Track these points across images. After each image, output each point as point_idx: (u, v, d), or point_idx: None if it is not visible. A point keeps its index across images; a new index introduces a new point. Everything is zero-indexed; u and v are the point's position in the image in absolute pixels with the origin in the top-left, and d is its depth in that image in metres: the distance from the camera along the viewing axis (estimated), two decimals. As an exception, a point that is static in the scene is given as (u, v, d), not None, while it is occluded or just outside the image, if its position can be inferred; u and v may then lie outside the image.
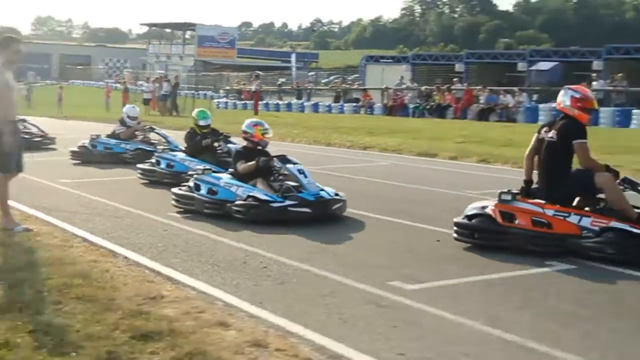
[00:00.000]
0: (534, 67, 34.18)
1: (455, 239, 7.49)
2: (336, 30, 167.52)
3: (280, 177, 9.17)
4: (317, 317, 5.26)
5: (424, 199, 10.79)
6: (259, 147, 9.47)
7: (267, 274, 6.45)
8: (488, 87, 31.18)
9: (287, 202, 8.54)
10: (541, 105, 29.16)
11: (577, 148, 7.13)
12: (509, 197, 7.32)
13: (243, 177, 9.15)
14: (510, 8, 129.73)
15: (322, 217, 8.53)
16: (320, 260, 6.91)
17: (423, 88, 35.14)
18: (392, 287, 5.99)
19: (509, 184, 12.19)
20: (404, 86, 36.85)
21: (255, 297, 5.71)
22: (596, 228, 6.83)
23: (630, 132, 23.96)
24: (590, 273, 6.51)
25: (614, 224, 6.75)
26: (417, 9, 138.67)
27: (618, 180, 7.14)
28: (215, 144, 11.95)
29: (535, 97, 32.14)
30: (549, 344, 4.71)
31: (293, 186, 8.86)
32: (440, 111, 31.88)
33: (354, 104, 37.64)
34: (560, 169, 7.29)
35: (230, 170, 9.57)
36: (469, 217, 7.49)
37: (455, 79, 35.22)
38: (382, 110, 34.63)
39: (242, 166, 9.21)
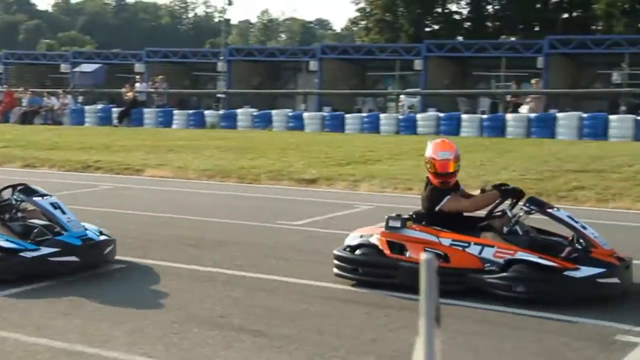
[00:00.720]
0: (77, 69, 33.76)
1: (337, 274, 6.29)
2: None
3: (21, 215, 6.79)
4: None
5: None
6: None
7: None
8: (30, 89, 30.04)
9: (45, 250, 6.27)
10: (87, 107, 29.16)
11: (448, 210, 6.21)
12: (397, 224, 6.15)
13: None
14: (49, 8, 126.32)
15: (92, 265, 6.60)
16: None
17: (-44, 90, 32.42)
18: None
19: (54, 187, 11.90)
20: None
21: None
22: (500, 260, 5.83)
23: (172, 131, 25.27)
24: (144, 272, 6.72)
25: (521, 254, 5.80)
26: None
27: (523, 201, 6.18)
28: None
29: (80, 99, 31.93)
30: (98, 345, 4.74)
31: (45, 226, 6.60)
32: (-20, 114, 29.78)
33: None
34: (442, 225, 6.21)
35: None
36: (352, 248, 6.32)
37: (-6, 81, 33.23)
38: None
39: None
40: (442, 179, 6.26)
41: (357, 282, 6.19)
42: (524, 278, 5.69)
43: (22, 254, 6.19)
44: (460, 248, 5.96)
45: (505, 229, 6.08)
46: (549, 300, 5.63)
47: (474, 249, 5.92)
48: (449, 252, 5.96)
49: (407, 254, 6.05)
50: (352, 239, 6.40)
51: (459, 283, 5.84)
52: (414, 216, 6.34)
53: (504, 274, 5.74)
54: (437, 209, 6.19)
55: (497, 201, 6.24)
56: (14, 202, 6.74)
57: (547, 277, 5.67)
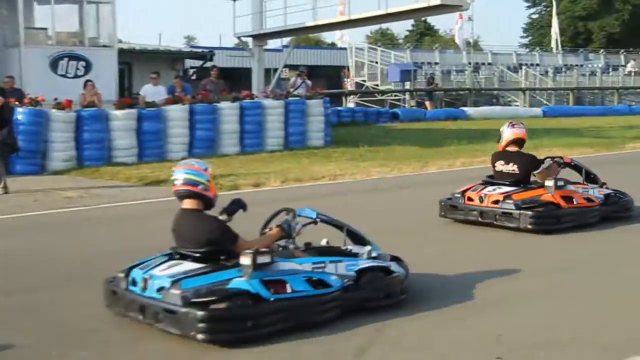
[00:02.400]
0: None
1: (532, 231, 7.92)
2: None
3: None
4: None
5: None
6: None
7: None
8: None
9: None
10: None
11: (541, 175, 8.45)
12: (562, 183, 8.29)
13: None
14: None
15: None
16: None
17: None
18: None
19: None
20: None
21: None
22: (602, 196, 8.62)
23: None
24: None
25: (606, 190, 8.77)
26: None
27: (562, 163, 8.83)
28: None
29: None
30: None
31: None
32: None
33: None
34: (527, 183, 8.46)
35: None
36: (526, 207, 8.02)
37: None
38: None
39: None
40: None
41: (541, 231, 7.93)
42: (623, 202, 8.87)
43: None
44: (586, 192, 8.60)
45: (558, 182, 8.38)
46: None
47: (592, 192, 8.64)
48: (588, 196, 8.54)
49: (575, 201, 8.34)
50: (519, 202, 8.09)
51: (594, 217, 8.45)
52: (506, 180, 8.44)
53: (615, 204, 8.76)
54: (536, 172, 8.45)
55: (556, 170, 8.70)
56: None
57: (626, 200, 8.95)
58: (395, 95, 32.59)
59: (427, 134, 21.21)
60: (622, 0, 56.55)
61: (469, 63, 36.31)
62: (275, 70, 21.35)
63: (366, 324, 4.93)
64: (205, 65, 23.62)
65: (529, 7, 63.50)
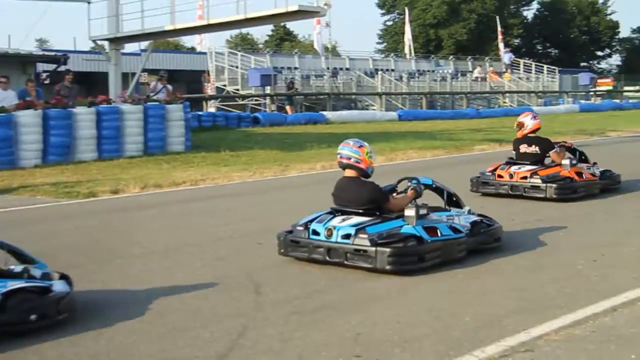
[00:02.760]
0: None
1: (556, 200, 9.85)
2: None
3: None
4: None
5: None
6: None
7: None
8: None
9: None
10: None
11: (556, 155, 10.40)
12: (575, 161, 10.39)
13: None
14: None
15: None
16: None
17: None
18: None
19: None
20: None
21: None
22: (598, 172, 10.61)
23: None
24: None
25: (600, 167, 10.84)
26: None
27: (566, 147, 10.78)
28: None
29: None
30: None
31: None
32: None
33: None
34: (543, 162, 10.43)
35: None
36: (551, 181, 9.90)
37: None
38: None
39: None
40: None
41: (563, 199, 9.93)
42: (615, 177, 10.93)
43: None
44: (589, 169, 10.55)
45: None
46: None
47: (593, 169, 10.58)
48: (591, 172, 10.52)
49: (584, 176, 10.32)
50: (544, 177, 9.99)
51: (598, 189, 10.39)
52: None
53: (609, 179, 10.76)
54: (552, 152, 10.36)
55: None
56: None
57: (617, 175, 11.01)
58: (256, 100, 32.74)
59: (287, 138, 21.47)
60: (468, 10, 59.65)
61: (328, 68, 37.09)
62: (134, 74, 20.92)
63: (229, 327, 4.98)
64: (59, 69, 22.79)
65: (383, 14, 65.70)
